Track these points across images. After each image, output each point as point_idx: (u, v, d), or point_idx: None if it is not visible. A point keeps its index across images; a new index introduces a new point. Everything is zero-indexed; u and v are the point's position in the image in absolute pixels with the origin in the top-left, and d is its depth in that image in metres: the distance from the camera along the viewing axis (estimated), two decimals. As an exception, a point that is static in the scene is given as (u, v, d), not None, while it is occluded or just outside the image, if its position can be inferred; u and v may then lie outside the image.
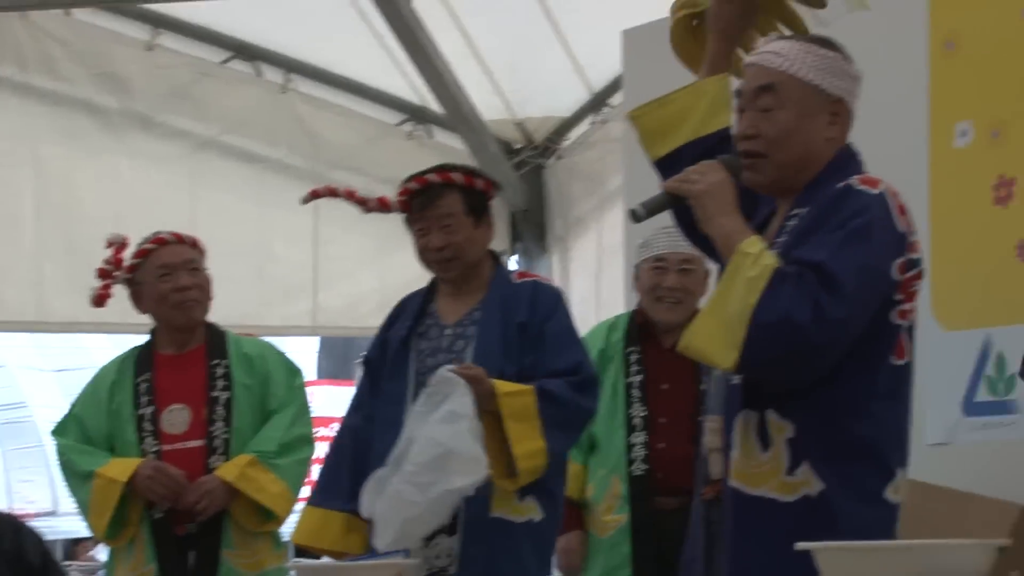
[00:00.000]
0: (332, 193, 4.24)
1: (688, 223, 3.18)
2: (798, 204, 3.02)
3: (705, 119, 3.23)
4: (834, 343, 2.86)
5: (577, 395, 4.00)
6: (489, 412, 3.85)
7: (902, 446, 3.01)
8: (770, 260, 2.88)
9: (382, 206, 4.18)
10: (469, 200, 4.14)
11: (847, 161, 3.07)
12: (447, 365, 3.86)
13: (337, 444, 4.23)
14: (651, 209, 3.07)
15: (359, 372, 4.37)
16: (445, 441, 3.67)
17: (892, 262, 2.93)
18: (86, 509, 4.61)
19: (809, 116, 3.02)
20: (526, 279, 4.22)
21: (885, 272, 2.92)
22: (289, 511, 4.67)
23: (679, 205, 3.07)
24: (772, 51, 3.05)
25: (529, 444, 3.88)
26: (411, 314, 4.19)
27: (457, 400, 3.73)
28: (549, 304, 4.11)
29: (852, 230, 2.89)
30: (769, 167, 3.03)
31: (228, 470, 4.55)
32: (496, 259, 4.24)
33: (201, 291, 4.71)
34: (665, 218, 3.28)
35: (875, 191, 2.95)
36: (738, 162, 3.06)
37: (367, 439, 4.10)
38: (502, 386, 3.88)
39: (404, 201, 4.15)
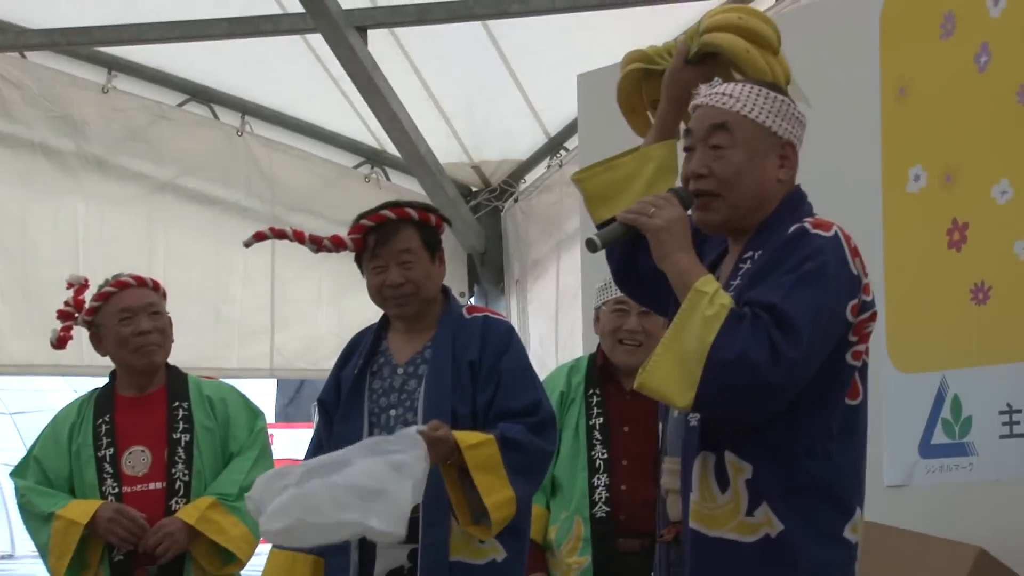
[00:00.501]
0: (280, 234, 4.16)
1: (624, 261, 3.21)
2: (751, 246, 3.05)
3: (650, 185, 3.26)
4: (789, 383, 2.87)
5: (537, 438, 3.96)
6: (452, 464, 3.82)
7: (859, 484, 3.03)
8: (726, 299, 2.89)
9: (336, 244, 4.13)
10: (425, 235, 4.11)
11: (798, 203, 3.09)
12: (417, 426, 3.76)
13: None
14: (606, 240, 3.08)
15: (316, 414, 4.33)
16: (385, 480, 3.56)
17: (847, 304, 2.96)
18: (46, 551, 4.57)
19: (761, 157, 3.04)
20: (476, 314, 4.16)
21: (840, 314, 2.94)
22: (250, 554, 4.65)
23: (633, 235, 3.08)
24: (723, 92, 3.07)
25: (498, 495, 3.84)
26: (363, 352, 4.14)
27: (411, 458, 3.65)
28: (501, 341, 4.07)
29: (806, 272, 2.91)
30: (722, 206, 3.05)
31: (189, 512, 4.53)
32: (447, 295, 4.21)
33: (162, 335, 4.69)
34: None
35: (828, 234, 2.97)
36: (687, 195, 3.07)
37: None
38: (464, 439, 3.83)
39: (359, 239, 4.13)
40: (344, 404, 4.10)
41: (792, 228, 2.98)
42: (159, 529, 4.51)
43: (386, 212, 4.09)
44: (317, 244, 4.11)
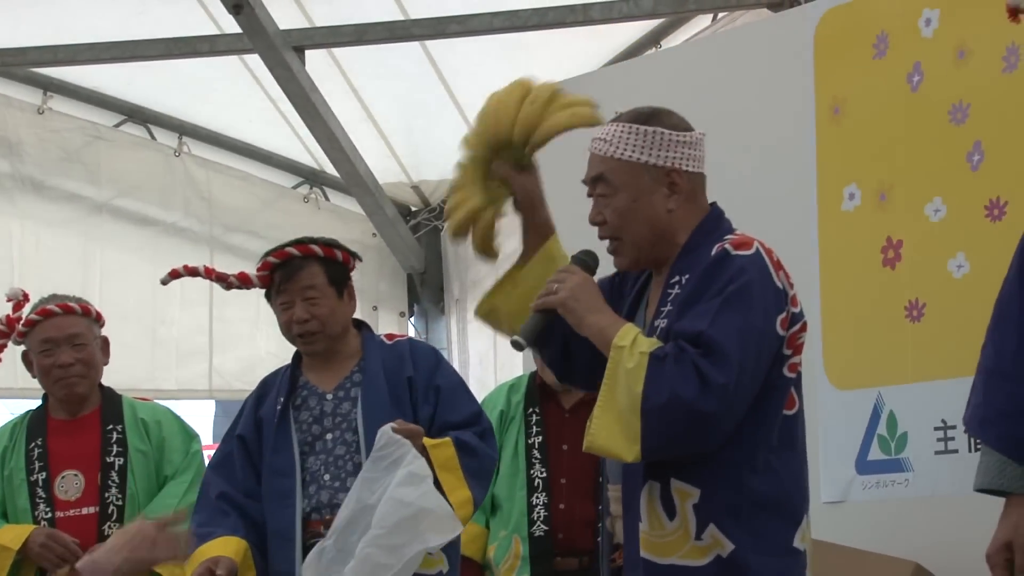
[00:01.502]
0: (192, 272, 4.19)
1: (562, 359, 3.21)
2: (676, 271, 3.06)
3: None
4: (727, 408, 2.89)
5: (484, 445, 4.05)
6: None
7: (803, 493, 3.05)
8: (644, 346, 2.92)
9: (242, 281, 4.16)
10: (330, 271, 4.14)
11: (716, 223, 3.11)
12: (390, 424, 3.81)
13: (215, 502, 4.11)
14: (528, 334, 3.11)
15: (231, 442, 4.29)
16: (414, 501, 3.63)
17: (775, 319, 2.97)
18: (-24, 578, 4.54)
19: (645, 194, 3.06)
20: (399, 338, 4.23)
21: (770, 330, 2.96)
22: (183, 578, 4.62)
23: (552, 318, 3.09)
24: (599, 137, 3.10)
25: (460, 494, 3.90)
26: (281, 390, 4.16)
27: (413, 462, 3.70)
28: (431, 359, 4.15)
29: (731, 294, 2.93)
30: (626, 248, 3.09)
31: (123, 537, 4.50)
32: (363, 328, 4.25)
33: (85, 366, 4.61)
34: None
35: (750, 252, 2.99)
36: (589, 256, 3.12)
37: (243, 505, 4.07)
38: (426, 440, 3.89)
39: (265, 275, 4.14)
40: (274, 438, 4.10)
41: (714, 250, 2.99)
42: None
43: (291, 249, 4.13)
44: (224, 281, 4.13)
